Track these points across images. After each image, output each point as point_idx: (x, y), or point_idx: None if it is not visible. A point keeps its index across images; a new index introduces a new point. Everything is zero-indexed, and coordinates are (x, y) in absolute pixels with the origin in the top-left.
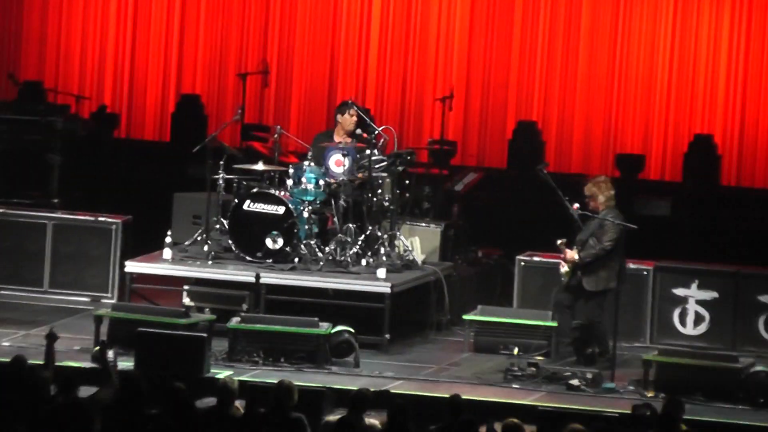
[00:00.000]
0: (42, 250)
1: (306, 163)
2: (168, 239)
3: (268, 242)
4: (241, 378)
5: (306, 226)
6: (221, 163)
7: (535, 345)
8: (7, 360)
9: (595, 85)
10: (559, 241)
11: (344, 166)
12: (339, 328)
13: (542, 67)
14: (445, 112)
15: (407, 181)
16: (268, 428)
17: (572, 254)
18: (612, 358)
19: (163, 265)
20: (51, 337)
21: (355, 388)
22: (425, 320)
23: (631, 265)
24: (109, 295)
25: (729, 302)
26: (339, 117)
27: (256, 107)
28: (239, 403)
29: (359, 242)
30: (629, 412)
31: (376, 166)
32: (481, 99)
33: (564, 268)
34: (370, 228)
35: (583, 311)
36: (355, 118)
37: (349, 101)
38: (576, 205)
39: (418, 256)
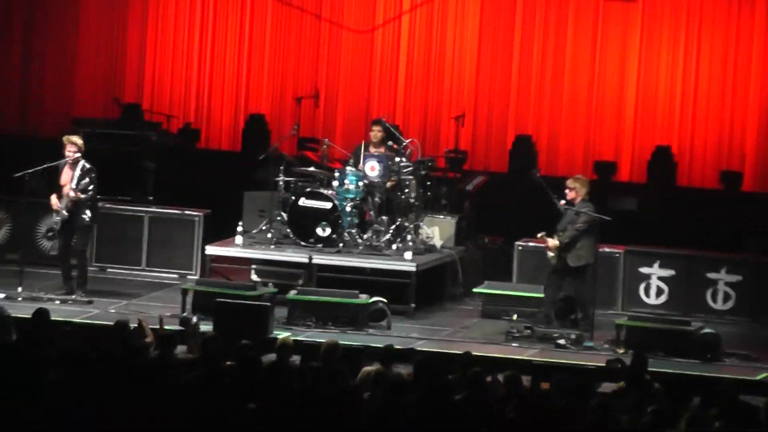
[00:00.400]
0: (140, 237)
1: (348, 168)
2: (239, 228)
3: (319, 231)
4: (297, 338)
5: (348, 218)
6: (281, 168)
7: (529, 312)
8: (112, 323)
9: (577, 106)
10: (539, 234)
11: (377, 170)
12: (374, 298)
13: (535, 93)
14: (458, 127)
15: (428, 183)
16: (319, 378)
17: (553, 242)
18: (591, 322)
19: (235, 249)
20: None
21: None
22: (443, 293)
23: (606, 249)
24: (193, 272)
25: (683, 278)
26: (369, 132)
27: (309, 124)
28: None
29: (391, 231)
30: (604, 365)
31: (404, 170)
32: (487, 117)
33: (550, 254)
34: (399, 220)
35: (571, 285)
36: (376, 133)
37: (379, 119)
38: (562, 202)
39: (437, 242)
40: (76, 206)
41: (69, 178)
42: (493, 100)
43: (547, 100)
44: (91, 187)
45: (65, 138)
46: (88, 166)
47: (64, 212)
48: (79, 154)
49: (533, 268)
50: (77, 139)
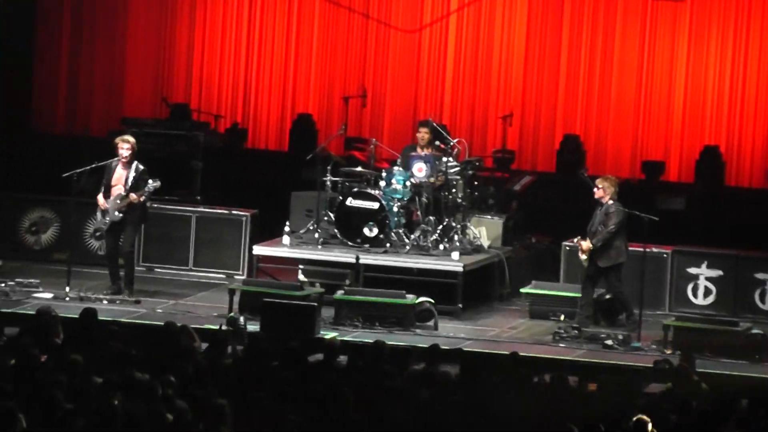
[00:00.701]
0: (188, 237)
1: (395, 168)
2: (287, 228)
3: (366, 231)
4: (344, 338)
5: (395, 218)
6: (328, 168)
7: (576, 313)
8: (161, 324)
9: (625, 105)
10: (575, 239)
11: (424, 171)
12: (422, 299)
13: (583, 92)
14: (506, 127)
15: (476, 183)
16: (367, 378)
17: (587, 244)
18: (638, 322)
19: (282, 249)
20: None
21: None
22: (490, 293)
23: (654, 249)
24: (240, 272)
25: (731, 279)
26: (417, 133)
27: (357, 123)
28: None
29: (438, 231)
30: (652, 365)
31: (451, 170)
32: (535, 117)
33: (583, 256)
34: (446, 220)
35: (606, 286)
36: (423, 135)
37: (426, 120)
38: (610, 201)
39: (485, 242)
40: (128, 207)
41: (122, 179)
42: (540, 99)
43: (595, 99)
44: (150, 188)
45: (118, 138)
46: (141, 167)
47: (117, 213)
48: (130, 152)
49: (580, 268)
50: (131, 138)
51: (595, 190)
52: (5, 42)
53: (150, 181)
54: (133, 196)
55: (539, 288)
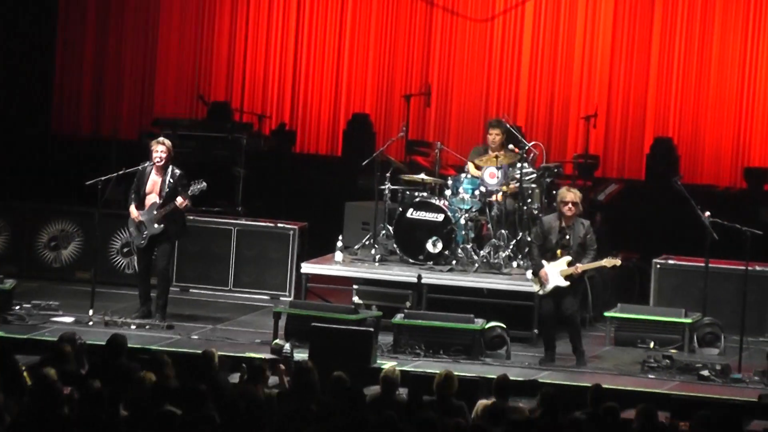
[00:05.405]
0: (228, 253)
1: (463, 175)
2: (339, 243)
3: (429, 246)
4: (404, 368)
5: (463, 232)
6: (387, 175)
7: (669, 339)
8: (198, 352)
9: (725, 104)
10: (568, 262)
11: (497, 178)
12: (492, 323)
13: (677, 89)
14: (589, 129)
15: (554, 192)
16: (432, 414)
17: (582, 267)
18: (740, 350)
19: (335, 267)
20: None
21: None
22: None
23: (757, 268)
24: (286, 293)
25: None
26: (486, 135)
27: (419, 125)
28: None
29: (511, 246)
30: (755, 400)
31: (527, 178)
32: (621, 117)
33: (565, 283)
34: (520, 234)
35: (569, 303)
36: (496, 137)
37: (498, 120)
38: (707, 213)
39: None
40: (167, 218)
41: (156, 186)
42: (628, 97)
43: (690, 97)
44: (195, 190)
45: (153, 141)
46: (178, 171)
47: (156, 225)
48: (165, 155)
49: (673, 289)
50: (167, 141)
51: (570, 206)
52: (23, 32)
53: (194, 183)
54: (179, 200)
55: (626, 311)
